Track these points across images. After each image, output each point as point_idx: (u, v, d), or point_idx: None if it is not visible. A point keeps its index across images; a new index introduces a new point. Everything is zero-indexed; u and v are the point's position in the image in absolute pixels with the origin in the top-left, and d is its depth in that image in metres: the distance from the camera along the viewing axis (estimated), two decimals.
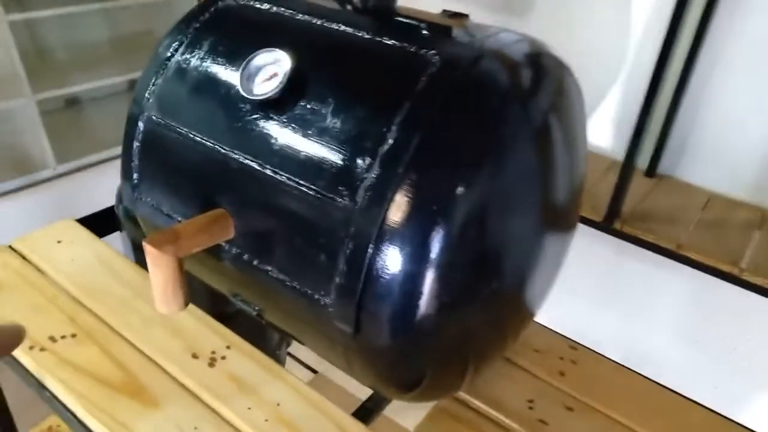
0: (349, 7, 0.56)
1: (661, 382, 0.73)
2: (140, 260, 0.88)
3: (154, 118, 0.57)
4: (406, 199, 0.44)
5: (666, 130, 1.30)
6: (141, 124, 0.58)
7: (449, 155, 0.46)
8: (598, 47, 1.40)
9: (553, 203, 0.54)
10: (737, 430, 0.68)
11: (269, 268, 0.51)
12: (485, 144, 0.46)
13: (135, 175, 0.60)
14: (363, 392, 0.68)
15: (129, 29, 2.04)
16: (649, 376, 0.73)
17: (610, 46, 1.38)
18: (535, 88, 0.51)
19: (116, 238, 0.96)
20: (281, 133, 0.49)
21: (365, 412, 0.67)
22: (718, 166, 1.31)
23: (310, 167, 0.48)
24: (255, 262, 0.52)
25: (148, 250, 0.47)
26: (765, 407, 1.30)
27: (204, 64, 0.55)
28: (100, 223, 0.91)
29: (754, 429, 0.67)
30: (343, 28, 0.53)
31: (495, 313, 0.53)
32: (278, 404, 0.63)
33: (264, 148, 0.50)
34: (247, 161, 0.51)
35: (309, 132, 0.48)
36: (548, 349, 0.76)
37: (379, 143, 0.45)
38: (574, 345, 0.77)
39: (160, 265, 0.47)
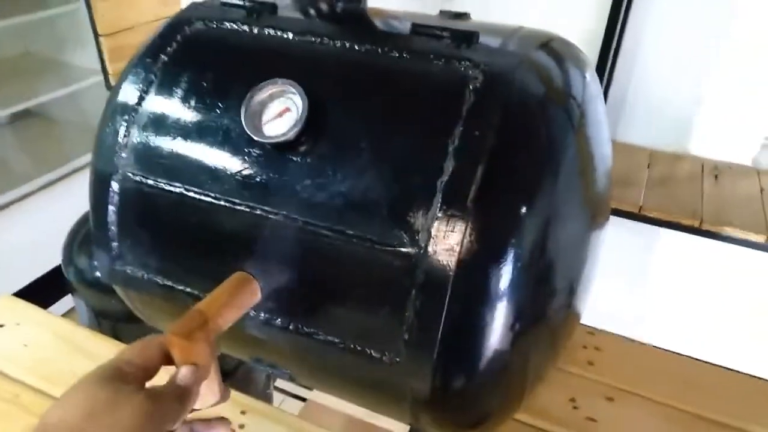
0: (325, 15, 0.49)
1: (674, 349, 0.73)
2: (104, 328, 0.76)
3: (133, 176, 0.47)
4: (480, 233, 0.39)
5: (604, 97, 1.32)
6: (116, 185, 0.48)
7: (512, 178, 0.41)
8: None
9: (595, 200, 0.51)
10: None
11: (313, 330, 0.44)
12: (542, 160, 0.42)
13: (114, 245, 0.50)
14: (364, 412, 0.62)
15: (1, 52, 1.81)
16: (672, 349, 0.73)
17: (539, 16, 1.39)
18: (571, 89, 0.47)
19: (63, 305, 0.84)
20: (308, 178, 0.42)
21: None
22: (653, 125, 1.36)
23: (354, 213, 0.41)
24: (292, 326, 0.45)
25: (176, 343, 0.38)
26: None
27: (189, 105, 0.46)
28: (42, 292, 0.78)
29: None
30: (349, 44, 0.46)
31: (555, 327, 0.49)
32: None
33: (288, 197, 0.42)
34: (268, 213, 0.43)
35: (344, 172, 0.41)
36: None
37: (436, 175, 0.39)
38: (591, 330, 0.76)
39: (192, 356, 0.39)
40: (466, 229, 0.38)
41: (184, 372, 0.37)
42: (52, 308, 0.77)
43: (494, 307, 0.40)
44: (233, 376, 0.69)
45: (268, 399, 0.96)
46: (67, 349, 0.67)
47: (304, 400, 1.24)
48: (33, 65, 1.80)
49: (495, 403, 0.47)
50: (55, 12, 1.59)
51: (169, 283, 0.48)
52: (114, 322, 0.73)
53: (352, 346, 0.43)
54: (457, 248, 0.38)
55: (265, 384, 0.94)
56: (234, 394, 0.64)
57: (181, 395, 0.35)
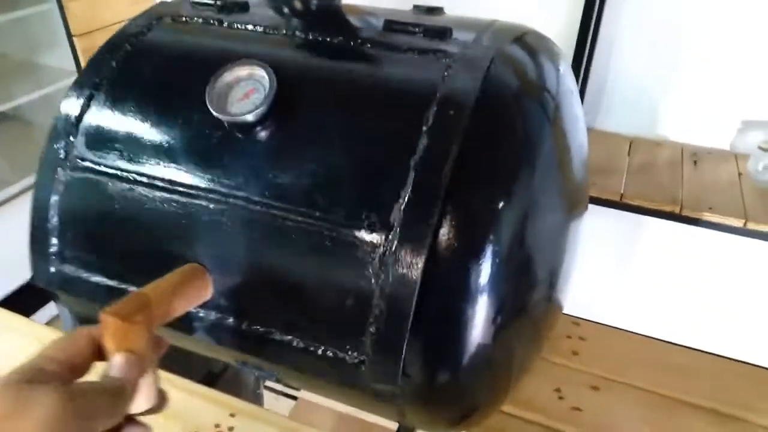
0: (298, 11, 0.49)
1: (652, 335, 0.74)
2: None
3: (82, 161, 0.46)
4: (456, 225, 0.39)
5: (583, 87, 1.33)
6: (62, 172, 0.47)
7: (488, 171, 0.41)
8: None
9: (572, 191, 0.52)
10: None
11: (268, 329, 0.44)
12: (519, 152, 0.43)
13: (53, 241, 0.48)
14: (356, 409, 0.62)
15: None
16: (656, 336, 0.74)
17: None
18: (545, 81, 0.47)
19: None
20: (273, 159, 0.41)
21: None
22: (632, 113, 1.37)
23: (320, 193, 0.40)
24: (244, 326, 0.44)
25: (111, 324, 0.33)
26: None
27: (152, 89, 0.45)
28: (23, 300, 0.77)
29: None
30: (321, 37, 0.46)
31: (537, 319, 0.50)
32: None
33: (251, 178, 0.42)
34: (227, 197, 0.42)
35: (312, 153, 0.41)
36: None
37: (408, 154, 0.39)
38: (575, 320, 0.77)
39: (128, 341, 0.34)
40: (441, 218, 0.38)
41: (118, 360, 0.32)
42: (35, 316, 0.76)
43: (474, 301, 0.41)
44: (222, 378, 0.69)
45: (258, 400, 0.96)
46: None
47: (295, 398, 1.25)
48: (6, 68, 1.77)
49: (481, 396, 0.47)
50: (26, 13, 1.56)
51: (114, 284, 0.47)
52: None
53: (311, 347, 0.42)
54: (430, 237, 0.38)
55: (255, 384, 0.94)
56: (223, 396, 0.64)
57: (113, 389, 0.31)
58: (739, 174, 1.24)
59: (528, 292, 0.45)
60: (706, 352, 0.72)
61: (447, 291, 0.40)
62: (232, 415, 0.61)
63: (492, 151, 0.42)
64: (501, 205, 0.41)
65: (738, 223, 1.09)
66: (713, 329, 1.33)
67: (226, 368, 0.71)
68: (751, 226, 1.08)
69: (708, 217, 1.10)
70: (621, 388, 0.68)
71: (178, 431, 0.59)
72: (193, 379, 0.66)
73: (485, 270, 0.40)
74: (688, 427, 0.63)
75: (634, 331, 0.76)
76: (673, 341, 0.75)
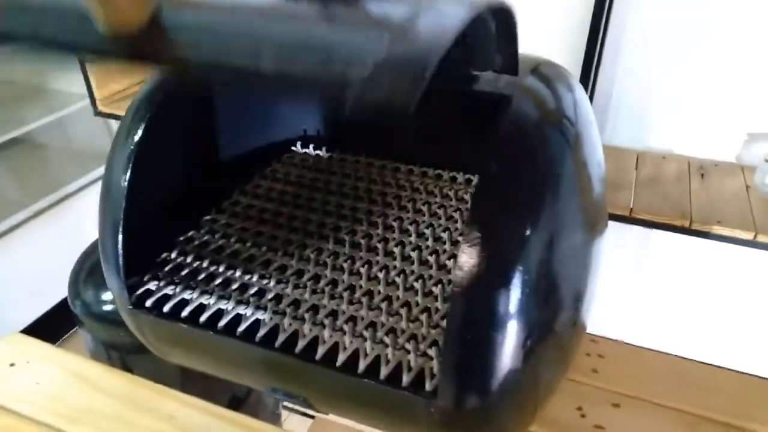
0: None
1: (678, 354, 0.75)
2: (113, 360, 0.77)
3: None
4: (486, 257, 0.40)
5: (590, 101, 1.34)
6: None
7: (513, 195, 0.43)
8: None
9: (594, 209, 0.53)
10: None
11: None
12: (542, 177, 0.44)
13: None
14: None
15: None
16: (672, 352, 0.75)
17: None
18: (563, 110, 0.49)
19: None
20: None
21: None
22: (638, 127, 1.39)
23: None
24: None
25: None
26: None
27: None
28: (48, 328, 0.78)
29: None
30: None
31: (564, 342, 0.51)
32: None
33: None
34: None
35: None
36: None
37: None
38: (594, 338, 0.77)
39: None
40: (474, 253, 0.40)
41: None
42: (60, 343, 0.78)
43: (504, 329, 0.42)
44: (245, 403, 0.69)
45: (276, 420, 0.97)
46: (80, 384, 0.68)
47: (311, 416, 1.25)
48: (18, 93, 1.80)
49: (509, 420, 0.48)
50: None
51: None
52: (124, 354, 0.74)
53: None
54: (467, 272, 0.40)
55: (275, 405, 0.95)
56: (247, 419, 0.64)
57: None
58: (747, 187, 1.25)
59: (556, 316, 0.46)
60: (722, 368, 0.73)
61: (477, 321, 0.41)
62: None
63: (516, 180, 0.43)
64: (528, 232, 0.42)
65: (748, 235, 1.10)
66: (727, 343, 1.33)
67: (249, 392, 0.72)
68: (761, 238, 1.09)
69: (717, 230, 1.11)
70: (642, 405, 0.68)
71: None
72: (217, 404, 0.67)
73: (514, 297, 0.42)
74: None
75: (650, 347, 0.77)
76: (688, 356, 0.76)
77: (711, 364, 0.73)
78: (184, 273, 0.57)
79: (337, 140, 0.79)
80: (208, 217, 0.65)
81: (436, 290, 0.54)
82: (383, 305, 0.52)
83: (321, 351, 0.48)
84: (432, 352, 0.48)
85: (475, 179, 0.71)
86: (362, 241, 0.61)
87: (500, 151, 0.43)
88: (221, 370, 0.55)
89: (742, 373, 0.72)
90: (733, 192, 1.23)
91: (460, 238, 0.61)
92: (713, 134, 1.36)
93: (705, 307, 1.40)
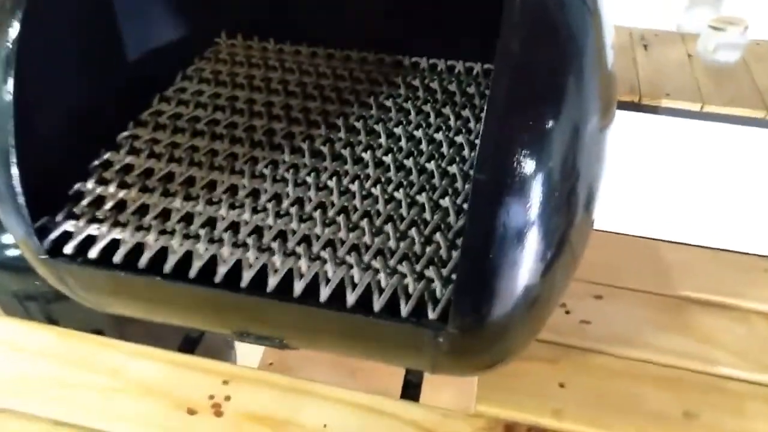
0: None
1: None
2: (33, 313, 0.65)
3: None
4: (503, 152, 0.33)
5: None
6: None
7: (534, 87, 0.34)
8: None
9: (609, 92, 0.45)
10: None
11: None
12: (565, 60, 0.35)
13: None
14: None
15: None
16: (643, 235, 0.72)
17: None
18: None
19: None
20: None
21: (413, 389, 0.58)
22: None
23: None
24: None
25: None
26: None
27: None
28: None
29: None
30: None
31: (576, 246, 0.45)
32: (325, 425, 0.52)
33: None
34: None
35: None
36: None
37: None
38: None
39: None
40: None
41: None
42: None
43: (525, 240, 0.35)
44: (200, 343, 0.61)
45: (231, 353, 0.90)
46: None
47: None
48: None
49: (522, 336, 0.43)
50: None
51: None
52: (44, 304, 0.62)
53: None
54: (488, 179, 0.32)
55: (229, 343, 0.87)
56: (209, 363, 0.57)
57: None
58: (689, 55, 1.22)
59: (572, 221, 0.40)
60: (698, 246, 0.72)
61: (492, 231, 0.34)
62: (225, 383, 0.55)
63: (538, 65, 0.34)
64: (550, 124, 0.34)
65: (695, 107, 1.08)
66: (699, 221, 1.33)
67: (202, 334, 0.64)
68: (707, 109, 1.07)
69: (666, 103, 1.09)
70: (624, 294, 0.66)
71: (165, 411, 0.52)
72: (168, 349, 0.58)
73: (536, 203, 0.35)
74: (696, 322, 0.63)
75: (622, 232, 0.74)
76: (660, 237, 0.74)
77: (687, 244, 0.72)
78: (108, 206, 0.45)
79: (270, 27, 0.66)
80: (126, 134, 0.52)
81: (422, 198, 0.46)
82: (364, 223, 0.44)
83: (299, 287, 0.40)
84: (431, 272, 0.41)
85: (459, 66, 0.61)
86: (323, 149, 0.51)
87: (514, 27, 0.33)
88: (175, 319, 0.46)
89: (718, 249, 0.71)
90: (676, 62, 1.20)
91: (438, 135, 0.53)
92: (653, 2, 1.30)
93: (669, 184, 1.40)
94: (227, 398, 0.53)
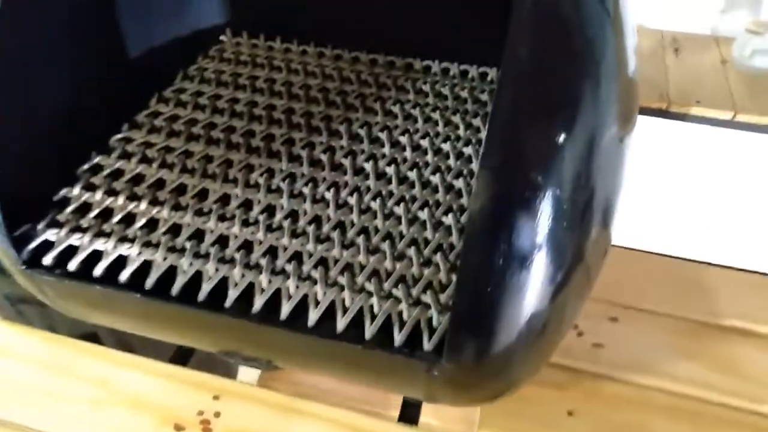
0: None
1: None
2: (29, 317, 0.64)
3: None
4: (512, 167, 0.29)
5: None
6: None
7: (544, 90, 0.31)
8: None
9: (630, 98, 0.42)
10: None
11: None
12: (580, 67, 0.32)
13: None
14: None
15: None
16: (665, 253, 0.68)
17: None
18: None
19: None
20: None
21: (413, 409, 0.55)
22: None
23: None
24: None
25: None
26: None
27: None
28: None
29: None
30: None
31: (591, 265, 0.42)
32: None
33: None
34: None
35: None
36: None
37: None
38: None
39: None
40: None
41: None
42: None
43: (533, 262, 0.32)
44: (193, 355, 0.59)
45: (231, 368, 0.87)
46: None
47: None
48: None
49: (527, 368, 0.40)
50: None
51: None
52: (39, 306, 0.61)
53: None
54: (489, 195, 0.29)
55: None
56: (202, 376, 0.54)
57: None
58: (723, 61, 1.17)
59: (587, 236, 0.36)
60: (721, 266, 0.67)
61: (500, 254, 0.31)
62: (215, 398, 0.53)
63: (545, 68, 0.31)
64: (562, 136, 0.31)
65: (727, 115, 1.03)
66: (723, 238, 1.26)
67: None
68: (740, 118, 1.02)
69: (696, 111, 1.03)
70: (640, 317, 0.62)
71: (155, 425, 0.50)
72: (160, 360, 0.56)
73: (545, 222, 0.31)
74: (719, 350, 0.59)
75: (640, 248, 0.70)
76: (681, 255, 0.70)
77: (709, 263, 0.67)
78: (93, 215, 0.43)
79: (278, 25, 0.63)
80: (119, 136, 0.50)
81: (423, 215, 0.43)
82: (359, 240, 0.41)
83: (286, 309, 0.37)
84: (428, 297, 0.38)
85: (472, 71, 0.58)
86: (323, 157, 0.48)
87: (522, 28, 0.30)
88: (158, 336, 0.44)
89: (742, 270, 0.67)
90: (709, 67, 1.15)
91: (445, 145, 0.49)
92: (686, 3, 1.25)
93: (697, 198, 1.33)
94: (217, 414, 0.51)
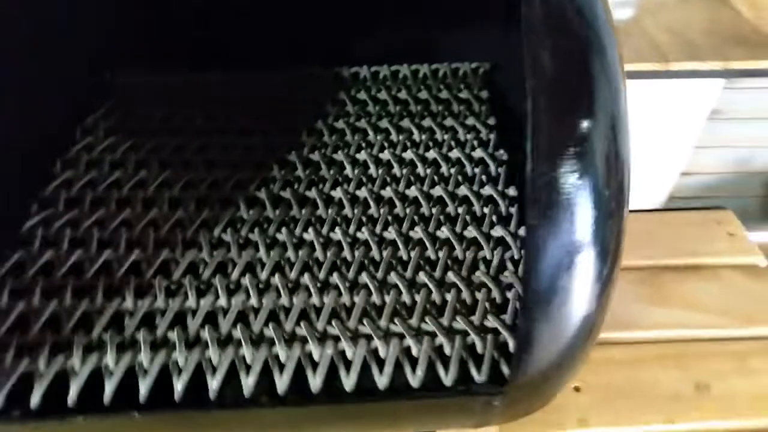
0: None
1: None
2: None
3: None
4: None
5: None
6: None
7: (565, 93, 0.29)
8: None
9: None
10: None
11: None
12: (588, 48, 0.30)
13: None
14: None
15: None
16: None
17: None
18: None
19: None
20: None
21: None
22: None
23: None
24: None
25: None
26: None
27: None
28: None
29: None
30: None
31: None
32: None
33: None
34: None
35: None
36: None
37: None
38: None
39: None
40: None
41: None
42: None
43: (572, 261, 0.30)
44: None
45: None
46: None
47: None
48: None
49: (578, 369, 0.38)
50: None
51: None
52: None
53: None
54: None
55: None
56: None
57: None
58: None
59: (620, 231, 0.35)
60: (636, 211, 0.71)
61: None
62: None
63: (567, 70, 0.29)
64: (585, 126, 0.30)
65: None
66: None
67: None
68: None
69: None
70: None
71: None
72: None
73: (584, 222, 0.30)
74: (674, 290, 0.62)
75: None
76: None
77: (645, 210, 0.71)
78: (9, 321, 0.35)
79: (163, 56, 0.55)
80: (29, 223, 0.41)
81: (417, 234, 0.40)
82: (367, 280, 0.37)
83: (318, 381, 0.32)
84: (460, 325, 0.35)
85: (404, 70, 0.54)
86: (283, 194, 0.43)
87: (541, 39, 0.28)
88: None
89: (660, 210, 0.71)
90: None
91: (416, 154, 0.46)
92: None
93: None
94: None
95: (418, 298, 0.36)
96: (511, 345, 0.34)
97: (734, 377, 0.55)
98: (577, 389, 0.54)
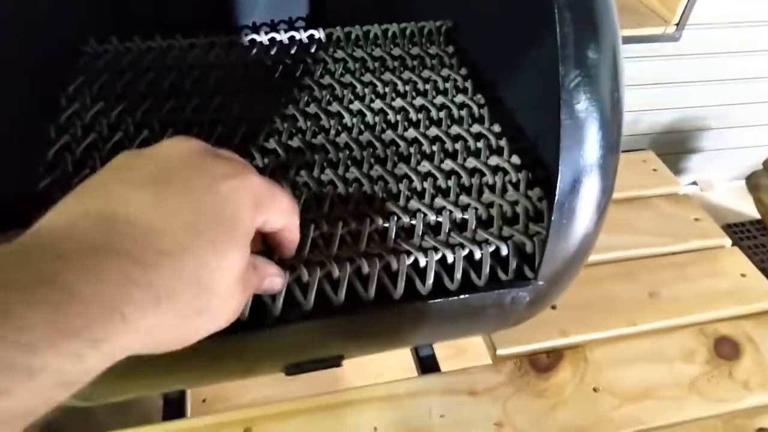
0: None
1: None
2: None
3: None
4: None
5: None
6: None
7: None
8: None
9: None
10: None
11: None
12: None
13: None
14: None
15: None
16: None
17: None
18: None
19: None
20: None
21: (431, 362, 0.57)
22: None
23: None
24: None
25: None
26: None
27: None
28: None
29: None
30: None
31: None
32: (375, 428, 0.48)
33: None
34: None
35: None
36: None
37: None
38: None
39: None
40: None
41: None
42: None
43: (597, 173, 0.36)
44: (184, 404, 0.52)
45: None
46: None
47: None
48: None
49: (576, 274, 0.43)
50: None
51: None
52: None
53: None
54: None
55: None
56: (225, 416, 0.49)
57: None
58: None
59: (616, 153, 0.40)
60: None
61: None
62: (247, 430, 0.48)
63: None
64: (591, 54, 0.35)
65: None
66: None
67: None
68: None
69: None
70: None
71: None
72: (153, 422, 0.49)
73: (591, 151, 0.35)
74: (614, 219, 0.71)
75: None
76: None
77: None
78: None
79: (139, 24, 0.55)
80: (44, 184, 0.41)
81: (425, 167, 0.44)
82: (393, 208, 0.41)
83: (370, 293, 0.36)
84: (482, 236, 0.39)
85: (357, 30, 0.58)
86: (291, 143, 0.45)
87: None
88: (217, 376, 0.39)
89: None
90: None
91: (413, 101, 0.50)
92: None
93: None
94: None
95: (441, 218, 0.40)
96: (528, 247, 0.38)
97: (678, 283, 0.64)
98: (554, 307, 0.60)
